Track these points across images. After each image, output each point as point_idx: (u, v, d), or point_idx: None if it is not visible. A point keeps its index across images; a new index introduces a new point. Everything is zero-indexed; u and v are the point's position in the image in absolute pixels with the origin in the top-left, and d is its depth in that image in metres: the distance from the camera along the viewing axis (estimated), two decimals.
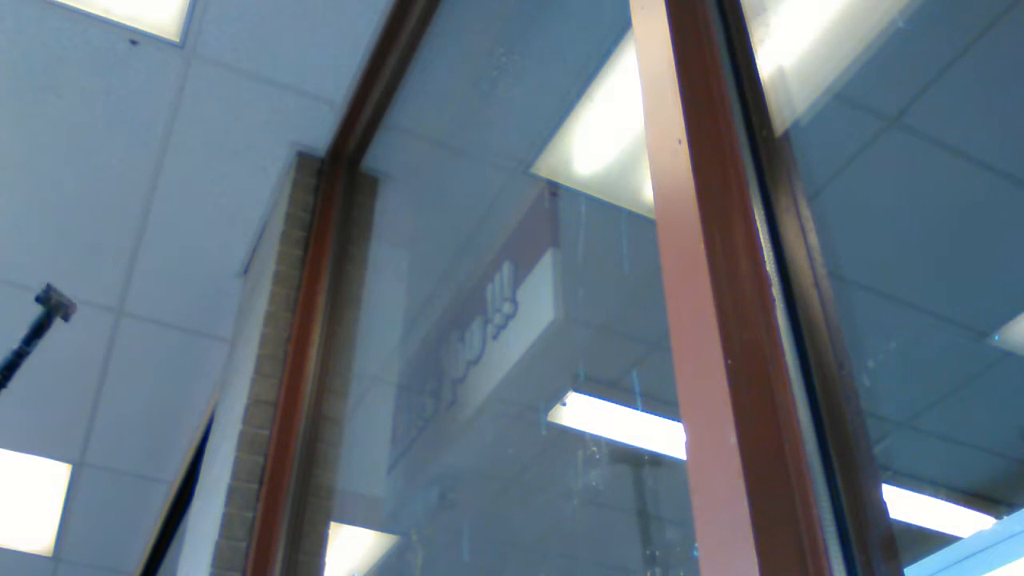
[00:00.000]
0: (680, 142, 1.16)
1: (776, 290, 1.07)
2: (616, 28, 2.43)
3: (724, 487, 0.89)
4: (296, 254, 2.64)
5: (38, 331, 2.29)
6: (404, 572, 3.83)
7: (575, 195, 2.82)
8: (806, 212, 1.17)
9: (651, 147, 1.22)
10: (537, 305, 2.10)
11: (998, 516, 3.90)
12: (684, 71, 1.23)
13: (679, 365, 1.03)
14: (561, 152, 2.74)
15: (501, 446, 3.83)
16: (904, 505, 3.73)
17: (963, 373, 3.43)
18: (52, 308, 2.28)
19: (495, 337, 2.26)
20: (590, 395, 3.55)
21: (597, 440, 3.79)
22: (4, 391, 2.33)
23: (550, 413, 3.62)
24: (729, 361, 0.95)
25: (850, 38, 2.28)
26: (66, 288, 3.39)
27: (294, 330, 2.48)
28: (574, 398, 3.53)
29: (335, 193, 2.80)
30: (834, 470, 0.95)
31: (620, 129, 2.67)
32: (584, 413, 3.62)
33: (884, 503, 0.96)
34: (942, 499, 3.80)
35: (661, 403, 3.58)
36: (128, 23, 2.57)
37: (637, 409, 3.58)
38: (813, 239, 1.15)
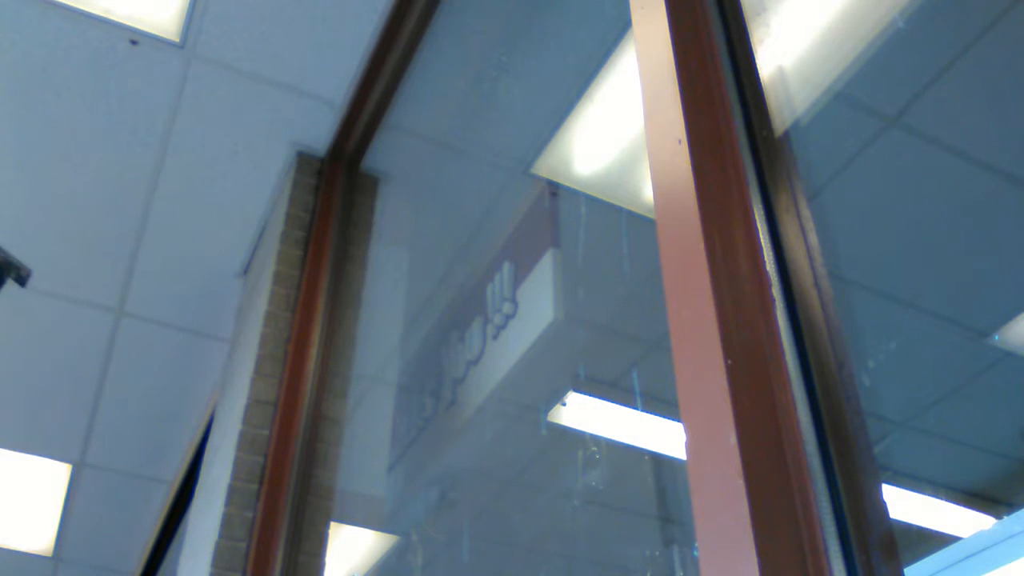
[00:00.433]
0: (680, 142, 1.16)
1: (776, 290, 1.07)
2: (616, 28, 2.43)
3: (724, 487, 0.89)
4: (296, 254, 2.64)
5: None
6: (404, 572, 3.83)
7: (575, 195, 2.82)
8: (806, 212, 1.17)
9: (651, 147, 1.22)
10: (537, 305, 2.10)
11: (998, 516, 3.90)
12: (684, 71, 1.23)
13: (679, 365, 1.03)
14: (561, 152, 2.74)
15: (501, 446, 3.83)
16: (904, 505, 3.73)
17: (963, 373, 3.43)
18: (2, 268, 2.24)
19: (495, 337, 2.26)
20: (590, 395, 3.55)
21: (597, 440, 3.80)
22: None
23: (550, 413, 3.62)
24: (729, 361, 0.95)
25: (850, 38, 2.28)
26: (66, 288, 3.40)
27: (294, 330, 2.48)
28: (574, 398, 3.53)
29: (335, 193, 2.80)
30: (834, 470, 0.95)
31: (620, 129, 2.67)
32: (584, 413, 3.62)
33: (884, 503, 0.96)
34: (942, 499, 3.80)
35: (661, 403, 3.58)
36: (128, 23, 2.57)
37: (637, 409, 3.58)
38: (813, 239, 1.15)
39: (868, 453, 0.99)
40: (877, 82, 2.44)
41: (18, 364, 3.73)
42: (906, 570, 0.96)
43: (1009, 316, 3.19)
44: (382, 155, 2.87)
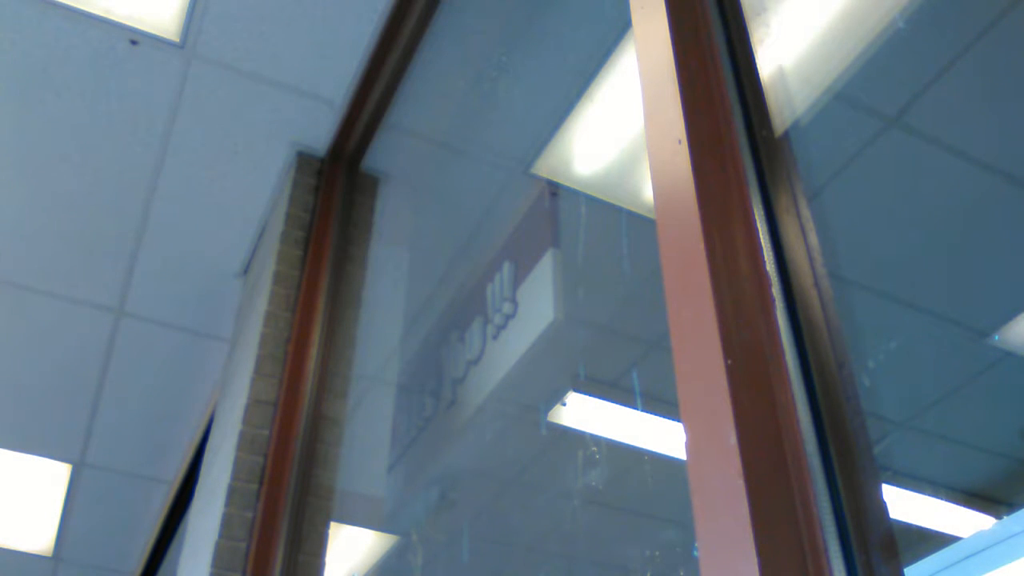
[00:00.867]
0: (680, 142, 1.16)
1: (776, 290, 1.07)
2: (616, 28, 2.43)
3: (724, 487, 0.89)
4: (296, 254, 2.64)
5: None
6: (404, 572, 3.83)
7: (575, 195, 2.82)
8: (806, 212, 1.17)
9: (651, 147, 1.22)
10: (537, 305, 2.10)
11: (998, 516, 3.90)
12: (684, 71, 1.23)
13: (679, 365, 1.03)
14: (561, 152, 2.74)
15: (501, 446, 3.83)
16: (904, 505, 3.74)
17: (963, 373, 3.43)
18: None
19: (495, 337, 2.26)
20: (590, 395, 3.55)
21: (597, 440, 3.80)
22: None
23: (550, 413, 3.62)
24: (729, 361, 0.95)
25: (850, 38, 2.28)
26: (66, 288, 3.40)
27: (294, 330, 2.48)
28: (574, 398, 3.53)
29: (335, 193, 2.80)
30: (834, 470, 0.95)
31: (620, 129, 2.67)
32: (584, 413, 3.62)
33: (884, 503, 0.96)
34: (942, 499, 3.80)
35: (661, 403, 3.58)
36: (128, 23, 2.57)
37: (637, 409, 3.58)
38: (813, 239, 1.15)
39: (868, 453, 0.99)
40: (877, 82, 2.44)
41: (18, 364, 3.73)
42: (906, 570, 0.96)
43: (1009, 316, 3.19)
44: (382, 155, 2.87)
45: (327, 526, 2.22)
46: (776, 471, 0.90)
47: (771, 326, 1.02)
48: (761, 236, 1.10)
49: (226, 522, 2.13)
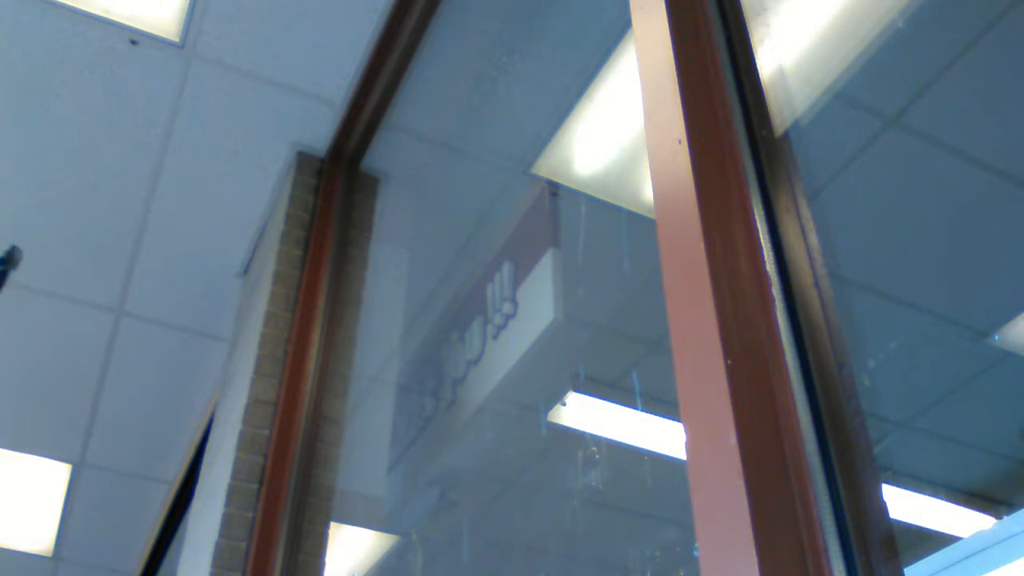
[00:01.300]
0: (680, 142, 1.16)
1: (776, 290, 1.07)
2: (616, 28, 2.43)
3: (724, 487, 0.89)
4: (296, 254, 2.64)
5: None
6: (404, 572, 3.83)
7: (575, 195, 2.82)
8: (806, 212, 1.17)
9: (651, 147, 1.22)
10: (537, 305, 2.10)
11: (998, 516, 3.90)
12: (684, 71, 1.23)
13: (679, 365, 1.03)
14: (561, 152, 2.74)
15: (501, 446, 3.83)
16: (904, 505, 3.73)
17: (963, 373, 3.43)
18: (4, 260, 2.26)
19: (495, 337, 2.26)
20: (590, 395, 3.55)
21: (597, 440, 3.79)
22: None
23: (550, 413, 3.62)
24: (729, 361, 0.95)
25: (850, 38, 2.28)
26: (66, 288, 3.40)
27: (294, 330, 2.48)
28: (574, 398, 3.53)
29: (335, 193, 2.80)
30: (834, 470, 0.95)
31: (620, 129, 2.67)
32: (584, 413, 3.62)
33: (884, 503, 0.96)
34: (942, 499, 3.80)
35: (661, 403, 3.58)
36: (128, 23, 2.57)
37: (637, 409, 3.58)
38: (813, 239, 1.15)
39: (868, 453, 0.99)
40: (877, 82, 2.44)
41: (18, 364, 3.73)
42: (906, 570, 0.96)
43: (1009, 316, 3.19)
44: (382, 155, 2.87)
45: (327, 526, 2.22)
46: (776, 471, 0.90)
47: (771, 326, 1.02)
48: (761, 236, 1.10)
49: (226, 522, 2.13)
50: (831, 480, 0.94)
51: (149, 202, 3.05)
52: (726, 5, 1.36)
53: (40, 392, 3.84)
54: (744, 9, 1.37)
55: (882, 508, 0.95)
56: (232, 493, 2.17)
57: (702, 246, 1.05)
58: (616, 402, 3.58)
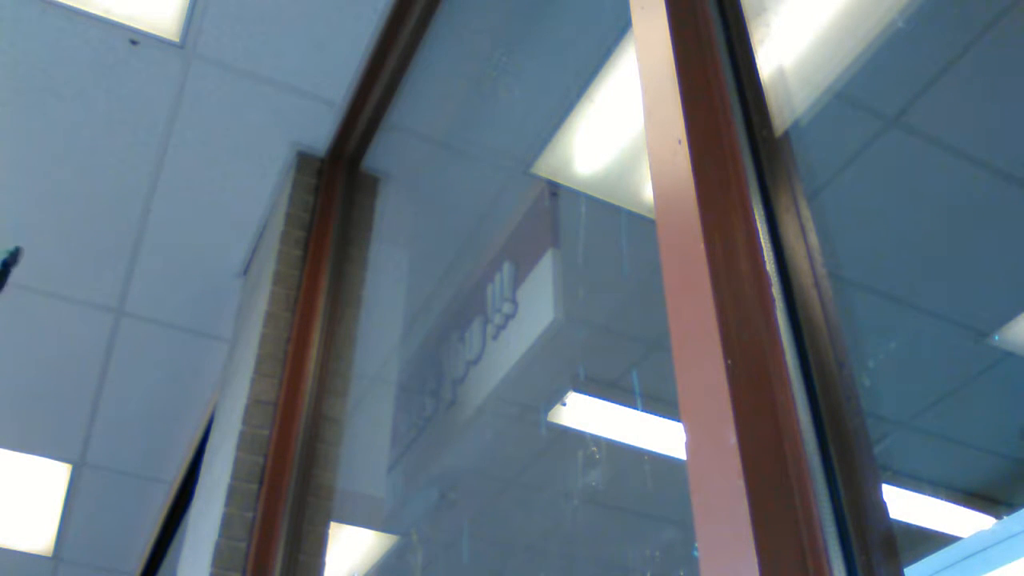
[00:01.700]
0: (680, 142, 1.16)
1: (776, 290, 1.07)
2: (616, 28, 2.43)
3: (724, 487, 0.89)
4: (296, 254, 2.64)
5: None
6: (404, 572, 3.83)
7: (575, 195, 2.82)
8: (806, 212, 1.17)
9: (651, 147, 1.22)
10: (537, 305, 2.10)
11: (998, 516, 3.90)
12: (684, 71, 1.23)
13: (679, 365, 1.03)
14: (561, 152, 2.74)
15: (501, 446, 3.83)
16: (904, 505, 3.73)
17: (963, 373, 3.43)
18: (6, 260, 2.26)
19: (495, 337, 2.26)
20: (590, 395, 3.55)
21: (597, 440, 3.79)
22: None
23: (550, 413, 3.62)
24: (729, 361, 0.95)
25: (850, 38, 2.28)
26: (66, 288, 3.40)
27: (294, 330, 2.48)
28: (574, 398, 3.53)
29: (335, 193, 2.80)
30: (834, 470, 0.95)
31: (620, 129, 2.67)
32: (584, 413, 3.62)
33: (884, 503, 0.96)
34: (942, 499, 3.80)
35: (661, 403, 3.58)
36: (128, 23, 2.57)
37: (637, 409, 3.58)
38: (813, 239, 1.15)
39: (868, 453, 0.99)
40: (877, 82, 2.44)
41: (18, 364, 3.73)
42: (906, 570, 0.96)
43: (1009, 316, 3.19)
44: (382, 155, 2.87)
45: (327, 526, 2.22)
46: (776, 471, 0.90)
47: (771, 326, 1.02)
48: (761, 236, 1.10)
49: (226, 522, 2.13)
50: (831, 480, 0.94)
51: (149, 202, 3.05)
52: (726, 5, 1.36)
53: (40, 392, 3.84)
54: (744, 9, 1.37)
55: (882, 508, 0.95)
56: (232, 493, 2.17)
57: (702, 246, 1.05)
58: (616, 402, 3.59)
